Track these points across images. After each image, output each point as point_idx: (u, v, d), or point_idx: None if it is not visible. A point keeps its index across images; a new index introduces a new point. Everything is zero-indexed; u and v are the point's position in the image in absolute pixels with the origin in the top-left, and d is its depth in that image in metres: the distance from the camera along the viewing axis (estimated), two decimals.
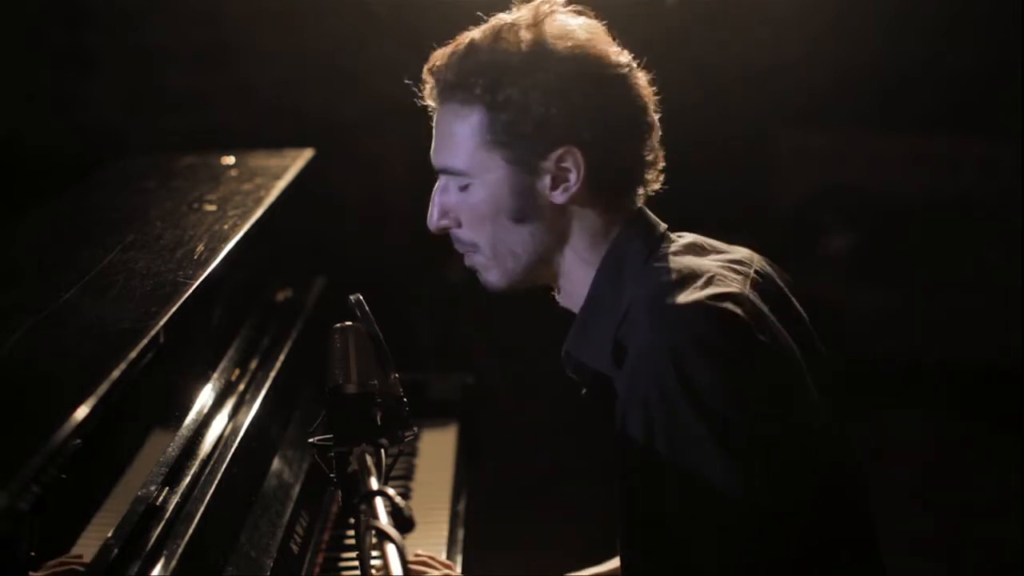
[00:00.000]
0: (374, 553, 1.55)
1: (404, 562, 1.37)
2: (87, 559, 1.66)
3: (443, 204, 1.92)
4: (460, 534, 2.54)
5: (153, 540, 1.73)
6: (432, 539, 2.48)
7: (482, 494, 2.84)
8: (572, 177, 1.83)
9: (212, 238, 2.23)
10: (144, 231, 2.29)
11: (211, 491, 1.91)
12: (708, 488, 1.68)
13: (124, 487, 1.83)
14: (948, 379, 5.20)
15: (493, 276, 1.93)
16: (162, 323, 1.78)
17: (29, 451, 1.39)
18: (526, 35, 1.82)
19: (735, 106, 5.13)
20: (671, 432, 1.70)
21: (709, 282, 1.77)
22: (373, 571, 1.73)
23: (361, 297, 1.81)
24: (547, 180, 1.84)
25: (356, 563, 1.97)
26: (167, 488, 1.86)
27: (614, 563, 2.22)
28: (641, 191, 1.91)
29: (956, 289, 5.46)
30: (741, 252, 1.95)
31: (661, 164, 1.91)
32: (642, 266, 1.85)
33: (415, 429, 1.79)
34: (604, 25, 1.89)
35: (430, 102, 1.91)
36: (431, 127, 1.93)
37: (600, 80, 1.83)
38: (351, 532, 2.37)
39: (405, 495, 2.69)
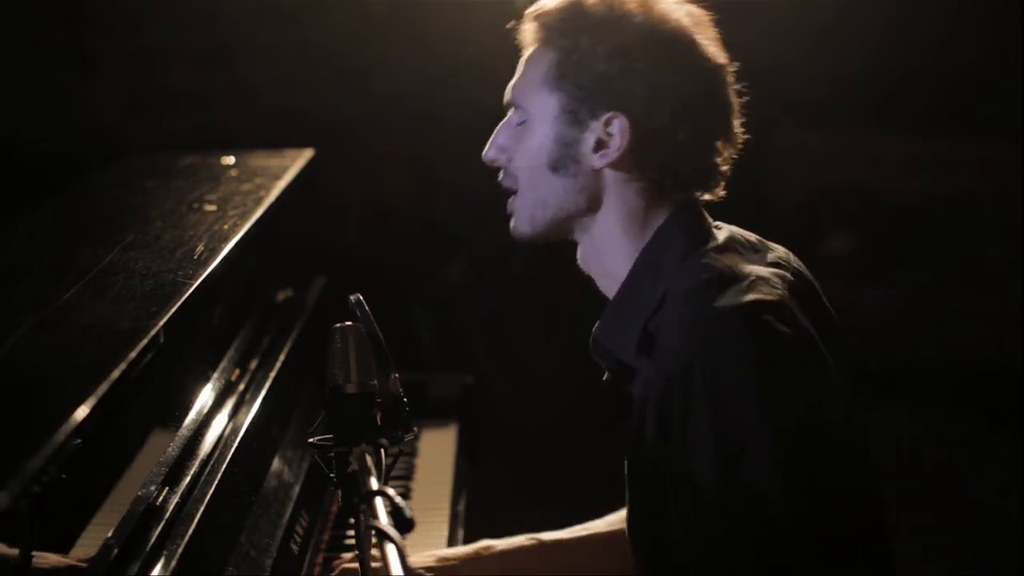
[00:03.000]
0: (374, 553, 1.55)
1: (404, 562, 1.37)
2: (87, 559, 1.66)
3: (500, 137, 1.95)
4: (460, 534, 2.54)
5: (153, 540, 1.73)
6: (432, 539, 2.47)
7: (482, 494, 2.84)
8: (614, 144, 1.84)
9: (212, 238, 2.23)
10: (144, 231, 2.29)
11: (211, 491, 1.91)
12: (737, 496, 1.66)
13: (124, 487, 1.83)
14: (948, 379, 5.20)
15: (520, 221, 1.94)
16: (162, 323, 1.77)
17: (29, 451, 1.39)
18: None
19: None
20: (692, 434, 1.68)
21: (750, 288, 1.74)
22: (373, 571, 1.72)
23: (361, 297, 1.81)
24: (591, 140, 1.85)
25: (356, 563, 1.97)
26: (167, 488, 1.86)
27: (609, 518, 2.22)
28: (697, 190, 1.91)
29: (956, 289, 5.46)
30: (778, 250, 1.93)
31: (724, 171, 1.91)
32: (681, 260, 1.83)
33: (415, 429, 1.79)
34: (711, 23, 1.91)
35: (524, 42, 1.94)
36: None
37: (673, 61, 1.84)
38: (351, 532, 2.37)
39: (405, 495, 2.69)
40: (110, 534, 1.71)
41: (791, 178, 5.65)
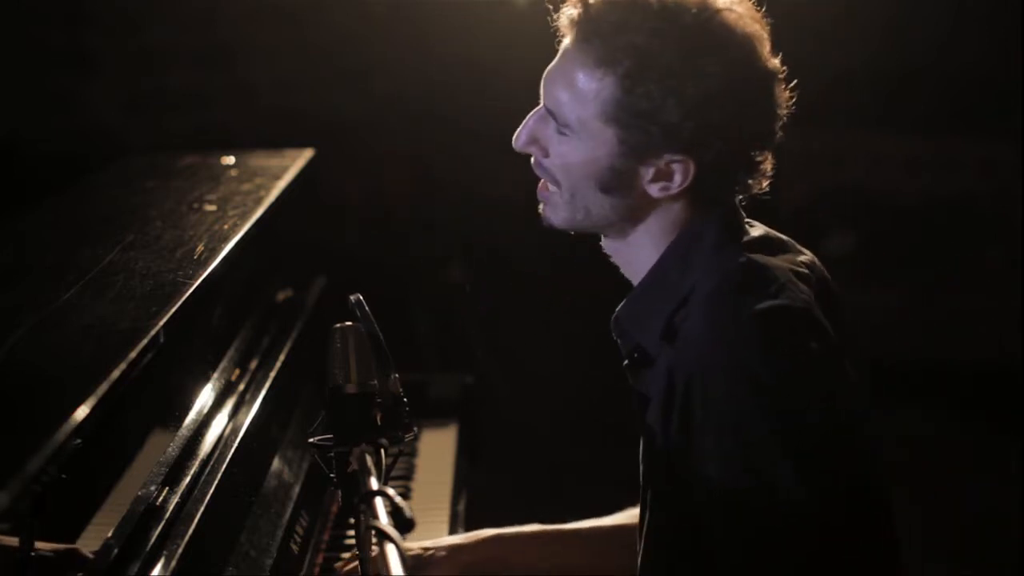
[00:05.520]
0: (374, 553, 1.55)
1: (404, 562, 1.37)
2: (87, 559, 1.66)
3: (535, 132, 1.84)
4: (460, 534, 2.54)
5: (153, 540, 1.73)
6: (432, 539, 2.47)
7: (482, 494, 2.84)
8: (676, 181, 1.78)
9: (212, 238, 2.23)
10: (144, 231, 2.29)
11: (211, 491, 1.91)
12: (742, 506, 1.67)
13: (124, 487, 1.83)
14: (948, 379, 5.20)
15: (555, 216, 1.86)
16: (162, 323, 1.77)
17: (29, 451, 1.39)
18: (689, 29, 1.72)
19: None
20: (705, 434, 1.68)
21: (780, 291, 1.72)
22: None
23: (361, 297, 1.81)
24: (651, 171, 1.78)
25: (356, 563, 1.97)
26: (167, 488, 1.86)
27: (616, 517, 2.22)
28: (740, 194, 1.86)
29: (956, 289, 5.46)
30: (806, 254, 1.92)
31: (768, 169, 1.86)
32: (713, 252, 1.80)
33: (415, 429, 1.79)
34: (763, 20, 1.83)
35: (565, 26, 1.78)
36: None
37: (743, 101, 1.76)
38: (351, 532, 2.37)
39: (405, 495, 2.69)
40: (110, 534, 1.71)
41: (791, 178, 5.65)
